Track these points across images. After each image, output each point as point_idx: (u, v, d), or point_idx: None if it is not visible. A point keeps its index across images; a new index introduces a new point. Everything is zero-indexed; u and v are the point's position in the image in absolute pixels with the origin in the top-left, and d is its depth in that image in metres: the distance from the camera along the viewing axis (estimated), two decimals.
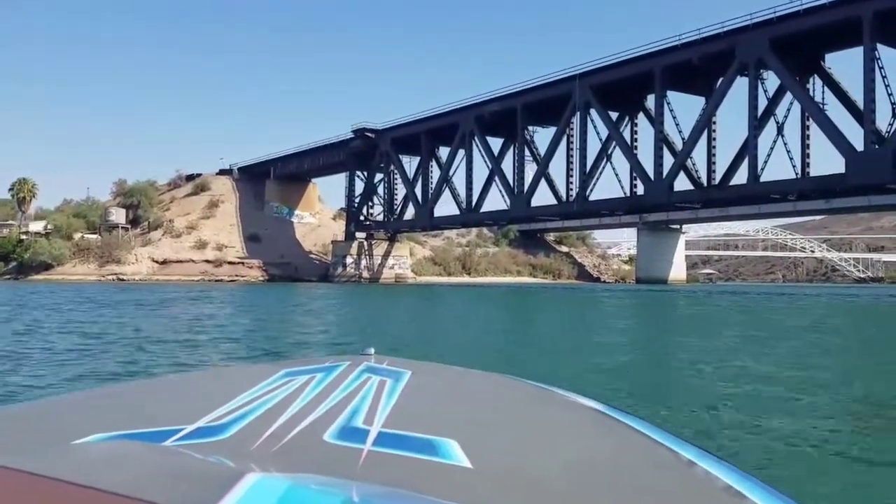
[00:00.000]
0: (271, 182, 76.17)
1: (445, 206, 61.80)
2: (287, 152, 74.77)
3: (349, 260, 66.42)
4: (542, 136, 53.92)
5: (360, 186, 67.31)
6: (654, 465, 0.74)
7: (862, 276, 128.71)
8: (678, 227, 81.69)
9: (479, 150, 55.21)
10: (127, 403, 0.93)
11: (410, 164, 63.11)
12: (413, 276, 69.77)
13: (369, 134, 63.75)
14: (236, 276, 64.50)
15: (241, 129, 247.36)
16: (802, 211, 78.21)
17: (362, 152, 64.18)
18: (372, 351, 1.11)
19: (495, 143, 55.41)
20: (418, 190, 60.86)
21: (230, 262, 66.52)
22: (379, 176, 65.40)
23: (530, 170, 52.21)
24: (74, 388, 5.56)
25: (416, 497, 0.57)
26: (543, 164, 50.89)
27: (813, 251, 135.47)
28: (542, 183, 51.75)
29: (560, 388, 1.00)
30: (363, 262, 66.67)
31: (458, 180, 57.93)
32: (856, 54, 37.43)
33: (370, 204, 67.14)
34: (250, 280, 63.27)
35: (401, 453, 0.69)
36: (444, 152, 59.31)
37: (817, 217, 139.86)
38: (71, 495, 0.45)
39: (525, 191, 51.80)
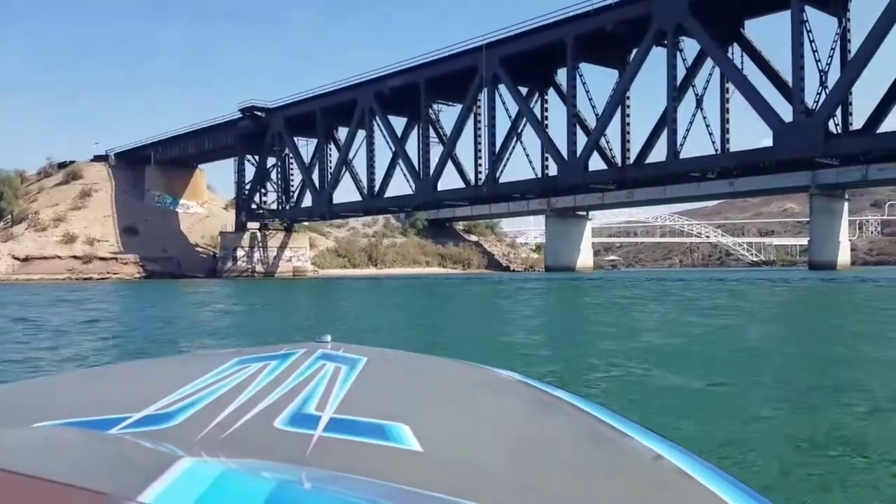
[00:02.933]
0: (152, 168, 67.75)
1: (350, 194, 56.18)
2: (169, 135, 66.73)
3: (240, 253, 59.61)
4: (448, 115, 49.04)
5: (251, 172, 60.48)
6: (606, 449, 0.74)
7: (755, 259, 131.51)
8: (585, 213, 79.56)
9: (381, 131, 49.84)
10: (75, 392, 0.90)
11: (308, 146, 57.07)
12: (314, 268, 63.76)
13: (259, 113, 56.92)
14: (108, 273, 56.54)
15: (124, 112, 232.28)
16: (706, 195, 77.36)
17: (252, 133, 57.27)
18: (328, 338, 1.05)
19: (399, 124, 50.29)
20: (316, 175, 54.90)
21: (102, 258, 58.28)
22: (272, 160, 58.80)
23: (436, 152, 47.43)
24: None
25: (361, 480, 0.57)
26: (450, 144, 46.10)
27: (708, 236, 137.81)
28: (450, 166, 47.22)
29: (517, 374, 0.98)
30: (256, 255, 60.00)
31: (360, 164, 52.48)
32: (773, 23, 34.74)
33: (263, 191, 60.42)
34: (125, 277, 55.48)
35: (351, 438, 0.68)
36: (343, 134, 53.51)
37: (710, 203, 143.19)
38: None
39: (431, 174, 46.95)
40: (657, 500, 0.62)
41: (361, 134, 51.15)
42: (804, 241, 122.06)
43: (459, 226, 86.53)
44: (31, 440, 0.59)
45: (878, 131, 30.02)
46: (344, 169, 52.66)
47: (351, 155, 52.46)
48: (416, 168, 47.77)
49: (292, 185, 58.70)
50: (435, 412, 0.80)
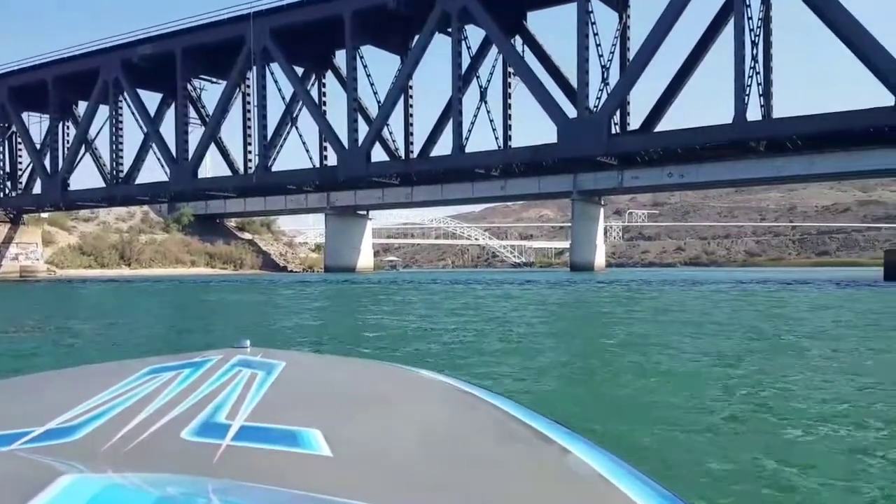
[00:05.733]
0: None
1: (98, 181, 45.40)
2: None
3: None
4: (213, 94, 41.45)
5: None
6: (519, 446, 0.72)
7: (518, 261, 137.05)
8: (365, 213, 75.65)
9: (130, 107, 40.69)
10: None
11: (42, 124, 45.71)
12: (49, 268, 51.72)
13: None
14: None
15: None
16: (479, 198, 76.74)
17: None
18: (248, 343, 0.99)
19: (153, 100, 41.54)
20: (49, 159, 43.88)
21: None
22: None
23: (198, 135, 39.67)
24: None
25: (263, 488, 0.53)
26: (213, 125, 38.64)
27: (477, 239, 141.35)
28: (217, 153, 39.85)
29: (439, 373, 0.97)
30: None
31: (104, 146, 42.69)
32: (552, 18, 32.82)
33: None
34: None
35: (260, 446, 0.64)
36: (84, 109, 43.19)
37: (478, 209, 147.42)
38: None
39: (190, 159, 39.05)
40: (567, 495, 0.61)
41: (105, 110, 41.56)
42: (558, 244, 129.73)
43: (232, 223, 77.43)
44: None
45: (655, 130, 28.87)
46: (83, 150, 42.56)
47: (93, 134, 42.58)
48: (174, 153, 39.58)
49: (20, 169, 46.80)
50: (348, 416, 0.76)
